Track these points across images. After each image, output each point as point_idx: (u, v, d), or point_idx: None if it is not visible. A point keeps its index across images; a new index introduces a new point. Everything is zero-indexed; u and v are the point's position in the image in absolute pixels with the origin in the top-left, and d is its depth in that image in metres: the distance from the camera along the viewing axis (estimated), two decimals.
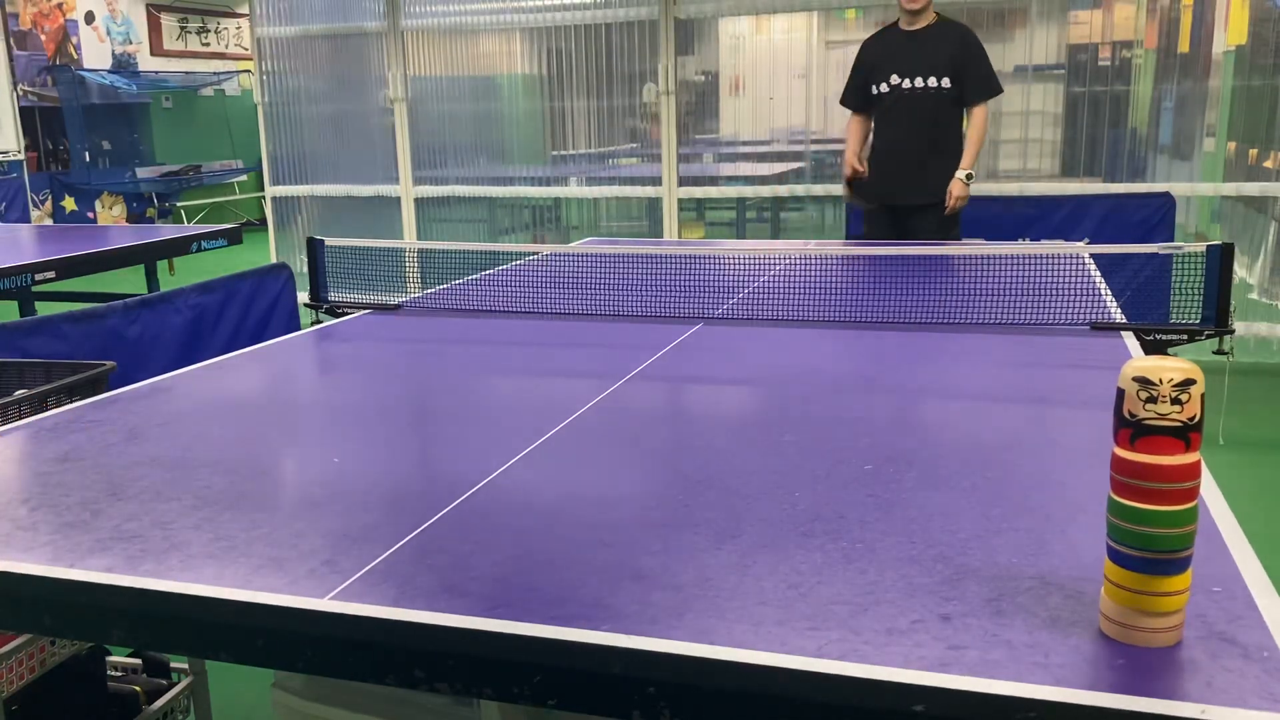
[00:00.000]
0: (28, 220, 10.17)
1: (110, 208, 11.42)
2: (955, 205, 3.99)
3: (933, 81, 3.98)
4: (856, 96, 4.22)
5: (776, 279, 3.01)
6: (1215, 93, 5.42)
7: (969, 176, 3.98)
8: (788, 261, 3.29)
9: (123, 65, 11.85)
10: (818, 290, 2.63)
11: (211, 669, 2.23)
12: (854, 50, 4.20)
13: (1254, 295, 5.41)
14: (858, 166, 4.20)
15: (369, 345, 2.38)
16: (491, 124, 6.67)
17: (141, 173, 11.75)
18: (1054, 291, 2.50)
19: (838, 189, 5.84)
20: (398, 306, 2.71)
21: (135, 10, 12.19)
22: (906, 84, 4.01)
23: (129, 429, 1.67)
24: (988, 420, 1.70)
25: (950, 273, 3.01)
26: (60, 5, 11.30)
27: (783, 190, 6.09)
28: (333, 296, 2.75)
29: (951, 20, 4.11)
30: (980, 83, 3.99)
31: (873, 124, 4.23)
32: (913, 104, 4.03)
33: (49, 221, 10.65)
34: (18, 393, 1.93)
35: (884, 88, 4.07)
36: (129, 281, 4.61)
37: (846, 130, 4.35)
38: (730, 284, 3.00)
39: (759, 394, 1.90)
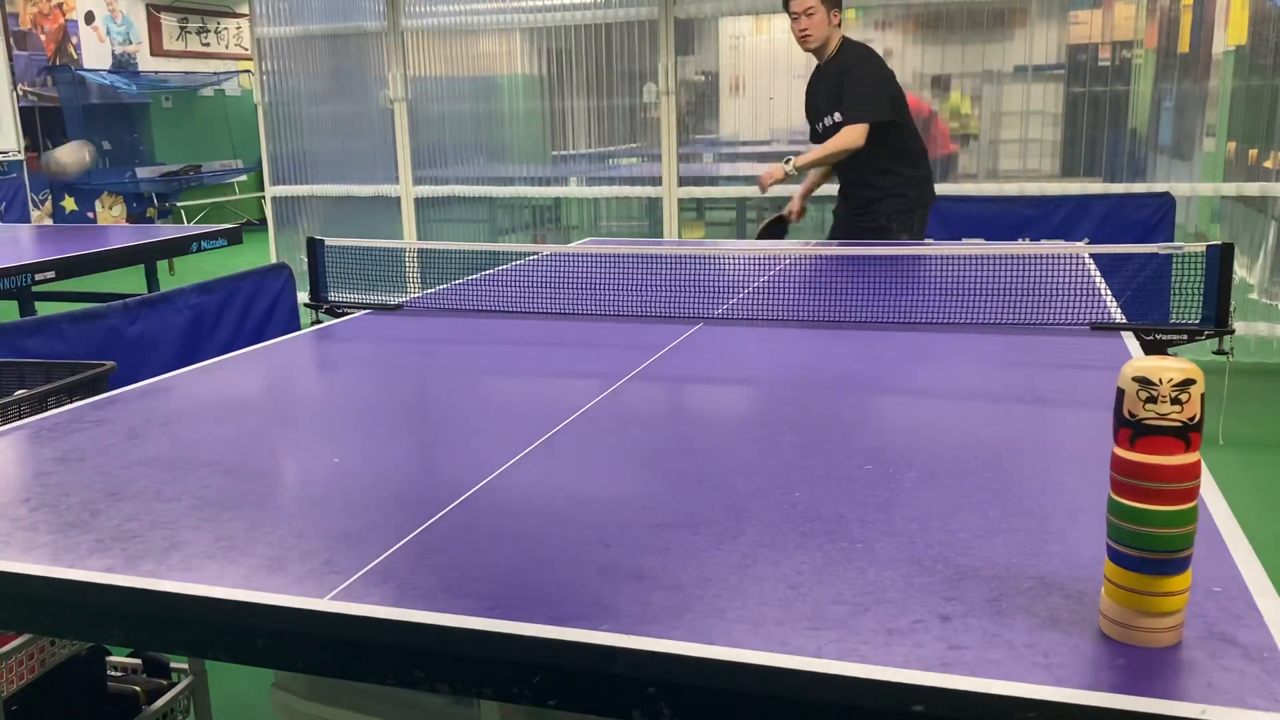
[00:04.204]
0: (28, 220, 10.17)
1: (110, 208, 11.42)
2: (763, 179, 3.82)
3: (831, 119, 3.83)
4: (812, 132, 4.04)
5: (776, 279, 3.01)
6: (1215, 93, 5.43)
7: (792, 169, 3.76)
8: (788, 261, 3.29)
9: (123, 65, 11.85)
10: (818, 290, 2.63)
11: (211, 669, 2.23)
12: None
13: (1254, 295, 5.41)
14: (795, 208, 4.11)
15: (369, 345, 2.38)
16: (491, 124, 6.67)
17: (141, 173, 11.75)
18: (1054, 291, 2.50)
19: (838, 189, 5.84)
20: (398, 306, 2.71)
21: (135, 10, 12.19)
22: (827, 121, 3.85)
23: (129, 429, 1.67)
24: (987, 420, 1.70)
25: (950, 273, 3.01)
26: (60, 5, 11.30)
27: (782, 190, 6.08)
28: (333, 296, 2.75)
29: (851, 44, 3.87)
30: (845, 107, 3.76)
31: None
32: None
33: (49, 221, 10.65)
34: (18, 393, 1.93)
35: (819, 128, 3.93)
36: (129, 281, 4.62)
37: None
38: (730, 284, 3.00)
39: (759, 394, 1.91)
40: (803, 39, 3.79)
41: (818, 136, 3.97)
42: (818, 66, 3.95)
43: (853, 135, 3.72)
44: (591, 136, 6.38)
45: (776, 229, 4.11)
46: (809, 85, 4.04)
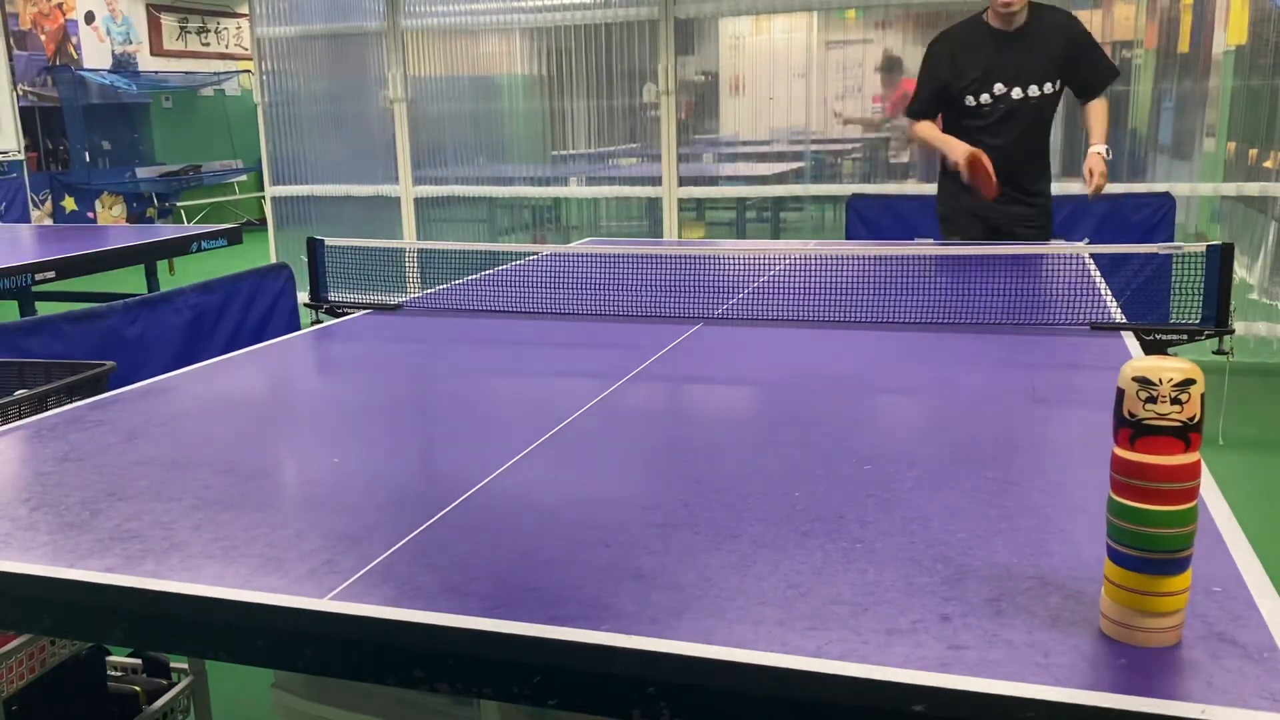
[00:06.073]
0: (28, 220, 10.16)
1: (110, 208, 11.42)
2: (1100, 185, 3.38)
3: (1048, 88, 3.49)
4: (932, 108, 3.64)
5: (776, 279, 3.01)
6: (1215, 93, 5.43)
7: (1107, 152, 3.42)
8: (788, 261, 3.29)
9: (123, 65, 11.85)
10: (818, 290, 2.63)
11: (211, 669, 2.23)
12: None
13: (1254, 295, 5.41)
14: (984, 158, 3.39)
15: (369, 345, 2.38)
16: (491, 124, 6.67)
17: (141, 173, 11.75)
18: (1054, 291, 2.50)
19: (837, 188, 5.85)
20: (398, 306, 2.71)
21: (135, 10, 12.19)
22: (1018, 93, 3.50)
23: (129, 429, 1.67)
24: (988, 420, 1.70)
25: (950, 273, 3.01)
26: (60, 5, 11.30)
27: (783, 190, 6.09)
28: (333, 296, 2.75)
29: (1046, 5, 3.53)
30: (1105, 75, 3.53)
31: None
32: (1021, 115, 3.53)
33: (49, 221, 10.65)
34: (18, 393, 1.93)
35: (984, 99, 3.52)
36: (129, 281, 4.61)
37: (921, 131, 3.68)
38: (730, 284, 3.00)
39: (759, 394, 1.90)
40: (1007, 7, 3.43)
41: (983, 109, 3.54)
42: (986, 31, 3.53)
43: (1107, 100, 3.56)
44: (591, 136, 6.38)
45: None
46: (958, 53, 3.58)
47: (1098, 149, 3.43)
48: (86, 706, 1.92)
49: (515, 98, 6.68)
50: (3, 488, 1.42)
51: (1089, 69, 3.51)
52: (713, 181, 6.45)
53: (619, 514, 1.27)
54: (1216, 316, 2.26)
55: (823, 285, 2.77)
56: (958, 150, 3.44)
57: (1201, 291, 2.30)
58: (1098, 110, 3.53)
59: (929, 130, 3.65)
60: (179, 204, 12.22)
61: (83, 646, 1.85)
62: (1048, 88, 3.50)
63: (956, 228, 3.72)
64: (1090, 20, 5.49)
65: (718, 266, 3.33)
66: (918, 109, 3.66)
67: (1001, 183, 3.46)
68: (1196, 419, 0.88)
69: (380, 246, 3.10)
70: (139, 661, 2.20)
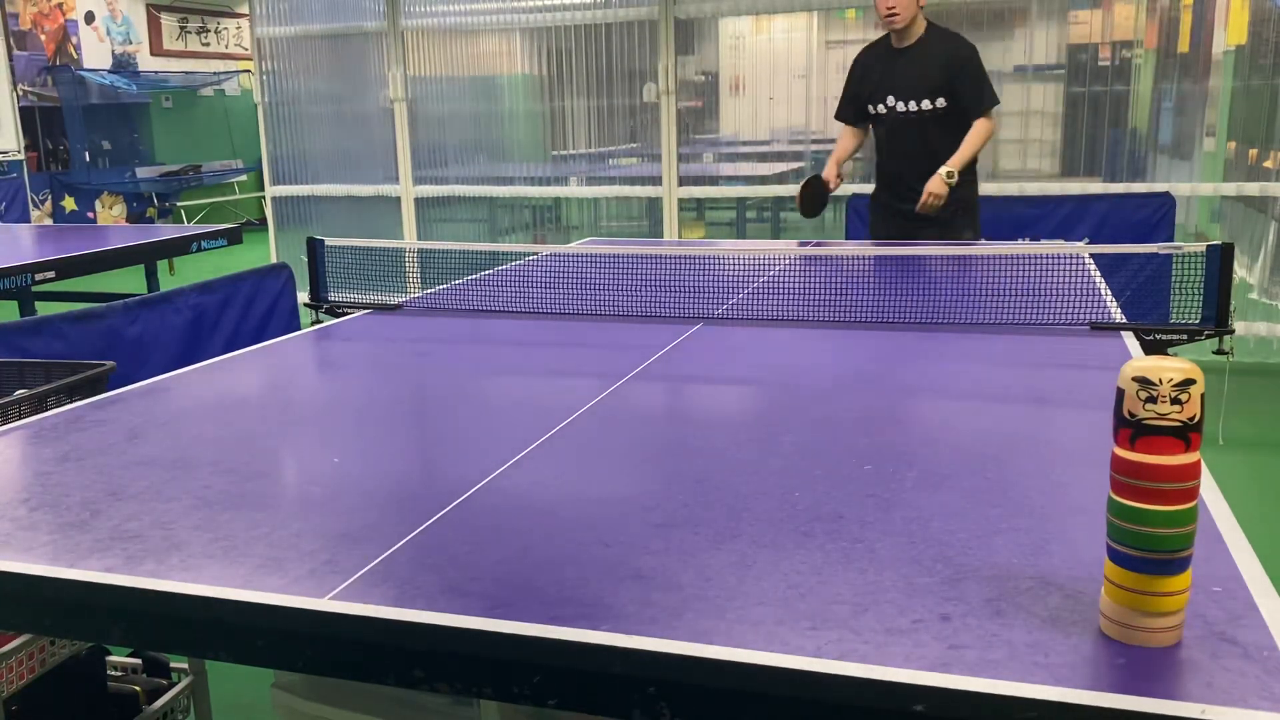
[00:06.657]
0: (28, 220, 10.16)
1: (110, 208, 11.42)
2: (926, 203, 3.62)
3: (926, 104, 3.71)
4: (849, 111, 3.98)
5: (776, 279, 3.01)
6: (1215, 93, 5.43)
7: (949, 175, 3.61)
8: (788, 261, 3.29)
9: (123, 65, 11.85)
10: (818, 290, 2.63)
11: (211, 669, 2.23)
12: (854, 50, 4.08)
13: (1254, 295, 5.41)
14: (832, 175, 3.90)
15: (369, 345, 2.38)
16: (491, 124, 6.67)
17: (141, 173, 11.75)
18: (1054, 291, 2.50)
19: (875, 184, 5.83)
20: (398, 306, 2.71)
21: (135, 10, 12.19)
22: (901, 106, 3.76)
23: (129, 429, 1.67)
24: (988, 420, 1.70)
25: (950, 273, 3.01)
26: (60, 5, 11.29)
27: (783, 190, 6.09)
28: (333, 296, 2.75)
29: (943, 28, 3.82)
30: (975, 98, 3.70)
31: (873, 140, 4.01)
32: (908, 127, 3.78)
33: (49, 221, 10.65)
34: (18, 393, 1.93)
35: (880, 109, 3.81)
36: (129, 281, 4.61)
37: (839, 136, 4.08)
38: (730, 284, 3.00)
39: (759, 394, 1.90)
40: (890, 18, 3.67)
41: (882, 118, 3.83)
42: (886, 46, 3.81)
43: (990, 125, 3.73)
44: (591, 136, 6.38)
45: (817, 195, 3.88)
46: (866, 64, 3.89)
47: (942, 171, 3.65)
48: (86, 706, 1.92)
49: (515, 98, 6.68)
50: (3, 488, 1.42)
51: (964, 92, 3.72)
52: (713, 181, 6.45)
53: (619, 514, 1.27)
54: (1216, 316, 2.26)
55: (823, 285, 2.77)
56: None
57: (1201, 291, 2.30)
58: (970, 134, 3.72)
59: (840, 137, 4.07)
60: (179, 204, 12.22)
61: (83, 646, 1.85)
62: (925, 104, 3.74)
63: (874, 218, 4.07)
64: (1090, 20, 5.50)
65: (717, 266, 3.33)
66: (838, 112, 4.07)
67: (896, 186, 3.87)
68: (1196, 419, 0.88)
69: (380, 246, 3.10)
70: (139, 661, 2.20)
